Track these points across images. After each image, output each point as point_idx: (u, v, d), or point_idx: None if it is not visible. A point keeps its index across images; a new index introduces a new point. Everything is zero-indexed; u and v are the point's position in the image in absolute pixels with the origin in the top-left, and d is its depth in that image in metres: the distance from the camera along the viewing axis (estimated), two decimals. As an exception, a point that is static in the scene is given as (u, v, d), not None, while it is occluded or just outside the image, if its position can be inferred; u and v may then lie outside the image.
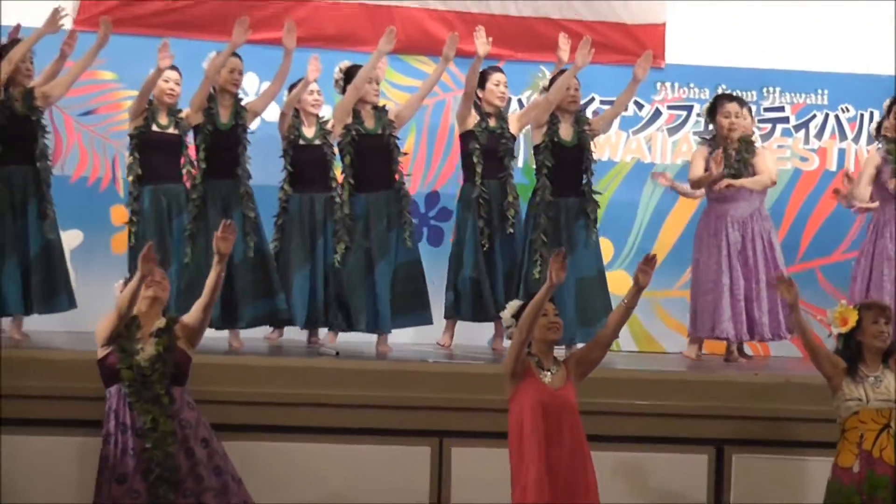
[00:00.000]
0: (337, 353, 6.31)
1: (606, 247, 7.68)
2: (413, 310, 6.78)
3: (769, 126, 7.92)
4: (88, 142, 7.05)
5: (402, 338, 7.06)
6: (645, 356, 7.65)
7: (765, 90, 7.93)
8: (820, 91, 7.93)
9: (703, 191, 7.14)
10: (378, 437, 5.92)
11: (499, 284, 6.85)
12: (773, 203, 7.59)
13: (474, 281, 6.82)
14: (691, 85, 7.79)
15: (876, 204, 6.98)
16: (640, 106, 7.84)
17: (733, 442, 5.96)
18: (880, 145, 6.86)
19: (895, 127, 6.83)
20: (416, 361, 6.43)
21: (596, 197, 6.84)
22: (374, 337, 6.85)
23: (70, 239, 6.88)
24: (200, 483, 5.24)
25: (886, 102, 6.91)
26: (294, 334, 6.99)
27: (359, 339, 6.96)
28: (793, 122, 7.98)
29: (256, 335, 6.91)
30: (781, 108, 7.98)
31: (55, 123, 7.07)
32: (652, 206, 7.75)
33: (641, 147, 7.61)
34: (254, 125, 6.95)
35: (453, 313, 6.95)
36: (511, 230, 6.82)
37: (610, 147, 7.92)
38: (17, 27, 6.65)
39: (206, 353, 5.86)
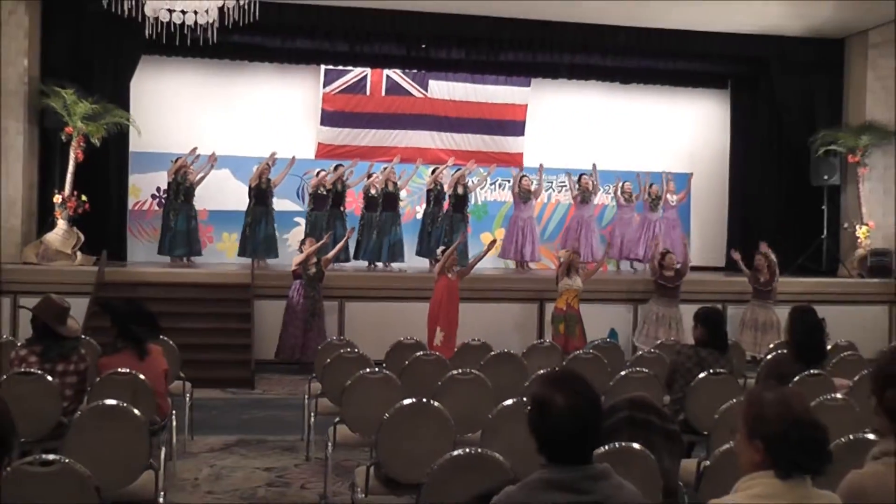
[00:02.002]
0: (401, 270, 12.08)
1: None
2: (398, 256, 12.11)
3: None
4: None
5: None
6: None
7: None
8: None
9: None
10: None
11: (435, 244, 11.73)
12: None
13: (422, 241, 12.27)
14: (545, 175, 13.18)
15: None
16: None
17: (545, 299, 10.72)
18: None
19: (588, 184, 12.69)
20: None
21: (468, 213, 12.54)
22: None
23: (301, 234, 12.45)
24: (320, 320, 10.00)
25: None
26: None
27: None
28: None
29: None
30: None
31: (300, 192, 13.67)
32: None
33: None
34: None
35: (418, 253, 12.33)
36: (439, 226, 12.21)
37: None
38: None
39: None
